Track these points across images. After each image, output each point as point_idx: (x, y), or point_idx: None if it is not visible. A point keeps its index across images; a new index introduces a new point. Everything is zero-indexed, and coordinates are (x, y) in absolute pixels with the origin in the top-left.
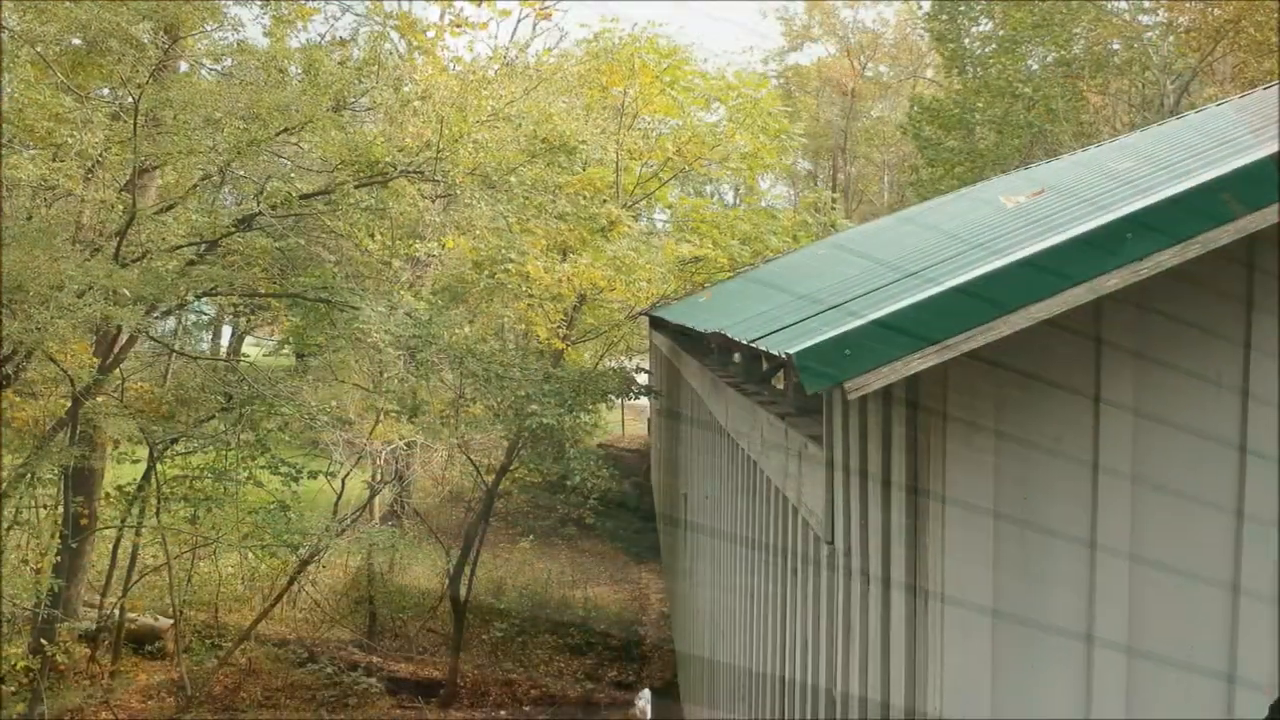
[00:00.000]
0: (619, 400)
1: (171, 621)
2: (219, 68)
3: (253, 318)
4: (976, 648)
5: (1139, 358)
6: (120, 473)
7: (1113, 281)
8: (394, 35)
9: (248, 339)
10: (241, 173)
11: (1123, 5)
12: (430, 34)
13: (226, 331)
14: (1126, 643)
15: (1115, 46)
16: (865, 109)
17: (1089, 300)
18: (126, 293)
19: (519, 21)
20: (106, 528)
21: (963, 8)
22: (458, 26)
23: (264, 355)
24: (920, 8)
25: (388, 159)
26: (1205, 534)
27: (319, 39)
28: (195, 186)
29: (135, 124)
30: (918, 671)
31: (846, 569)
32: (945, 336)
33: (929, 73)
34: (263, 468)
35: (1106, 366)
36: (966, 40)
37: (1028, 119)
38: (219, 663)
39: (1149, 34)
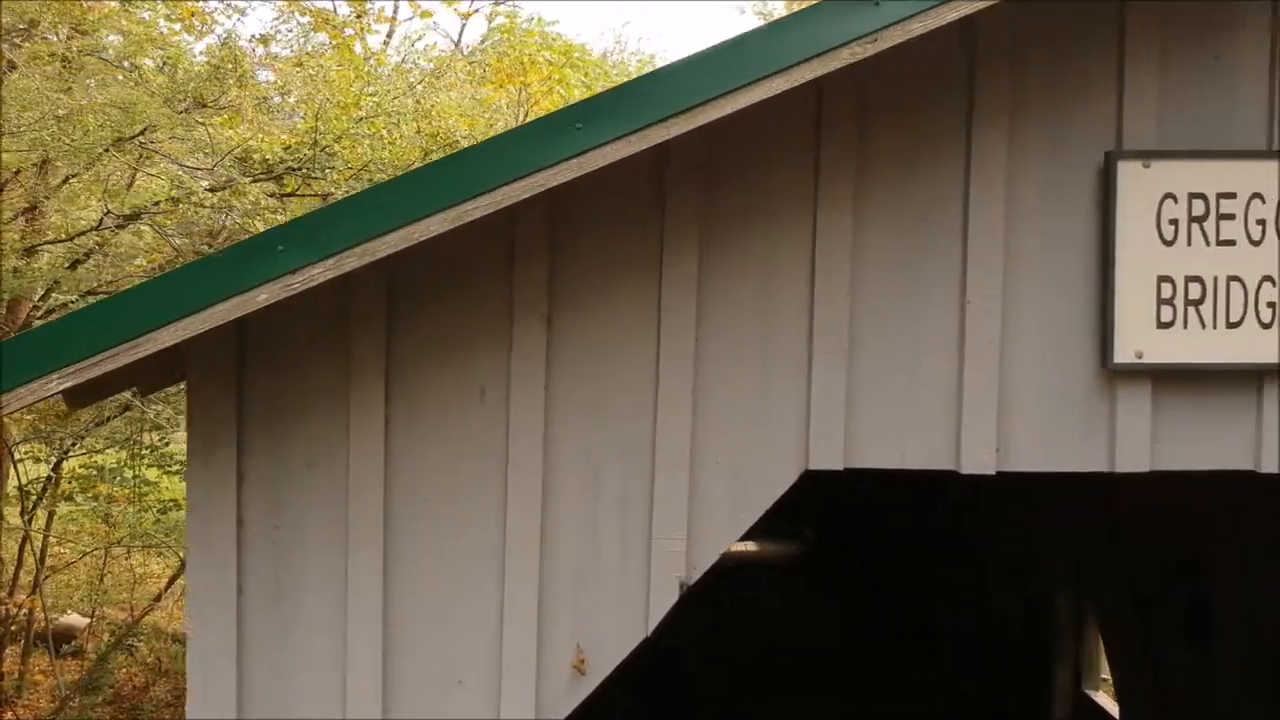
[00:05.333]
0: None
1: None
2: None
3: None
4: None
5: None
6: (32, 471)
7: (263, 296)
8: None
9: None
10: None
11: None
12: (350, 31)
13: None
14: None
15: None
16: None
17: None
18: None
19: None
20: (12, 528)
21: None
22: (358, 18)
23: None
24: None
25: (269, 156)
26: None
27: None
28: (63, 184)
29: None
30: None
31: None
32: None
33: None
34: (150, 466)
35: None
36: None
37: None
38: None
39: None
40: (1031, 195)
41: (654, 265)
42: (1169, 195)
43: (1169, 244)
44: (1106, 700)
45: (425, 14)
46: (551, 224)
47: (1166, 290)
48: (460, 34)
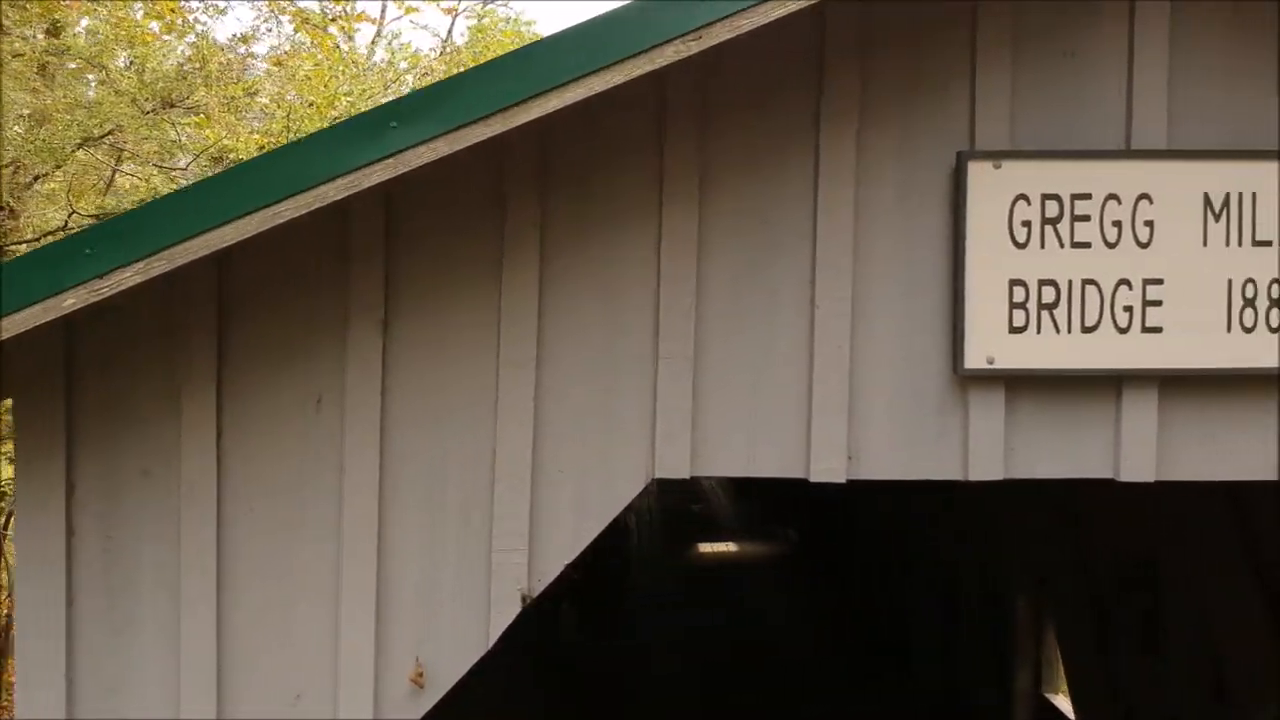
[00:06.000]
0: None
1: None
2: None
3: None
4: None
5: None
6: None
7: (70, 301)
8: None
9: None
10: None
11: None
12: (333, 30)
13: None
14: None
15: None
16: None
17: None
18: None
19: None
20: None
21: None
22: (333, 21)
23: None
24: None
25: (244, 157)
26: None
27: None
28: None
29: None
30: None
31: None
32: None
33: None
34: None
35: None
36: None
37: None
38: None
39: None
40: (886, 196)
41: (495, 270)
42: (1021, 196)
43: (1021, 246)
44: (1066, 704)
45: (410, 9)
46: (389, 225)
47: (1019, 294)
48: (449, 32)
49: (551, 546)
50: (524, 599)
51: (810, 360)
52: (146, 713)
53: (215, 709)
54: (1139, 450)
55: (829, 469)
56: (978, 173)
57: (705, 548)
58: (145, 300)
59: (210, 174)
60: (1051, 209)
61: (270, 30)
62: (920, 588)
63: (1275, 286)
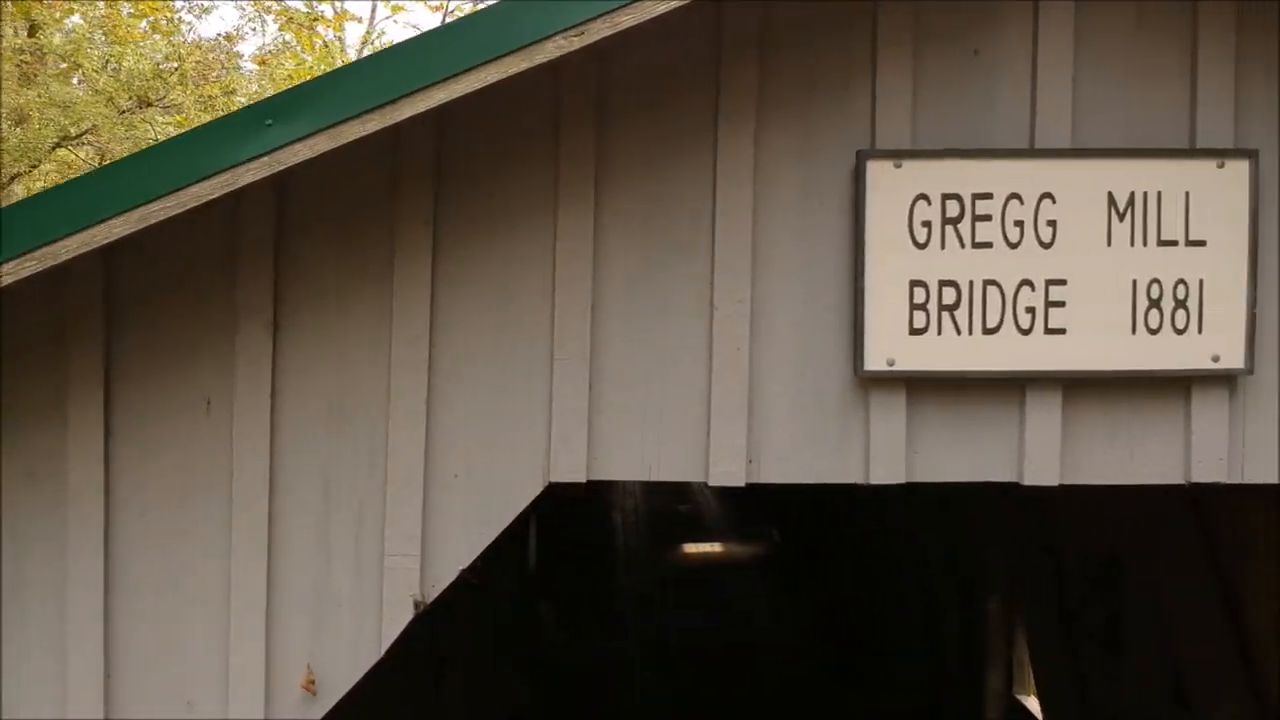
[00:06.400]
0: None
1: None
2: None
3: None
4: None
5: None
6: None
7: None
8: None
9: None
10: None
11: None
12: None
13: None
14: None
15: None
16: None
17: None
18: None
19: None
20: None
21: None
22: (316, 20)
23: None
24: None
25: None
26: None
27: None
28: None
29: None
30: None
31: None
32: None
33: None
34: None
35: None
36: None
37: None
38: None
39: None
40: (786, 196)
41: (387, 270)
42: (922, 196)
43: (922, 247)
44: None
45: (396, 8)
46: (280, 225)
47: (920, 295)
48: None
49: (446, 552)
50: (417, 605)
51: (709, 363)
52: (30, 716)
53: (103, 713)
54: (1043, 454)
55: (727, 472)
56: (877, 172)
57: (691, 548)
58: (33, 301)
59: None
60: (952, 209)
61: (255, 30)
62: (900, 588)
63: (1181, 287)
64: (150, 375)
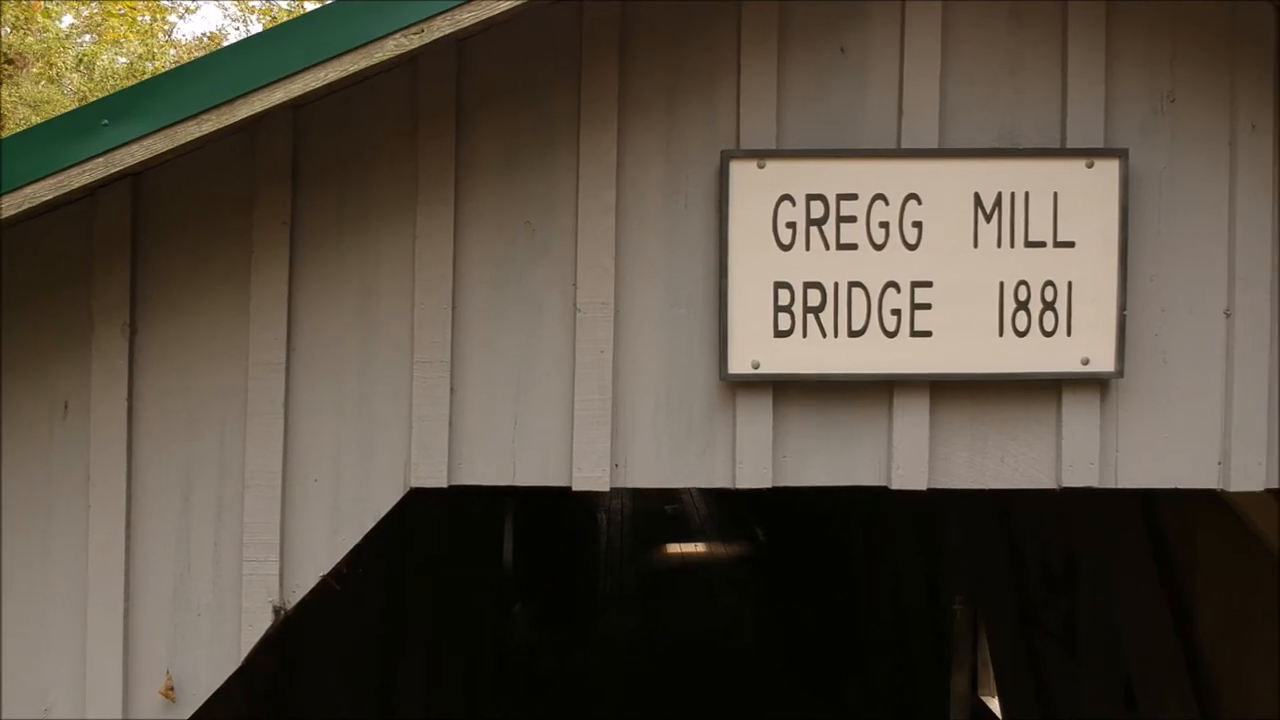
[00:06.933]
0: None
1: None
2: None
3: None
4: None
5: None
6: None
7: None
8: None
9: None
10: None
11: None
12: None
13: None
14: None
15: None
16: None
17: None
18: None
19: None
20: None
21: None
22: None
23: None
24: None
25: None
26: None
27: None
28: None
29: None
30: None
31: None
32: None
33: None
34: None
35: None
36: None
37: None
38: None
39: None
40: (652, 197)
41: (245, 271)
42: (786, 197)
43: (786, 248)
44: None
45: None
46: (135, 225)
47: (784, 297)
48: None
49: (305, 557)
50: (277, 611)
51: (573, 366)
52: None
53: None
54: (911, 458)
55: (592, 477)
56: (741, 172)
57: (674, 548)
58: None
59: None
60: (817, 209)
61: (239, 30)
62: (873, 590)
63: (1049, 289)
64: (8, 379)
